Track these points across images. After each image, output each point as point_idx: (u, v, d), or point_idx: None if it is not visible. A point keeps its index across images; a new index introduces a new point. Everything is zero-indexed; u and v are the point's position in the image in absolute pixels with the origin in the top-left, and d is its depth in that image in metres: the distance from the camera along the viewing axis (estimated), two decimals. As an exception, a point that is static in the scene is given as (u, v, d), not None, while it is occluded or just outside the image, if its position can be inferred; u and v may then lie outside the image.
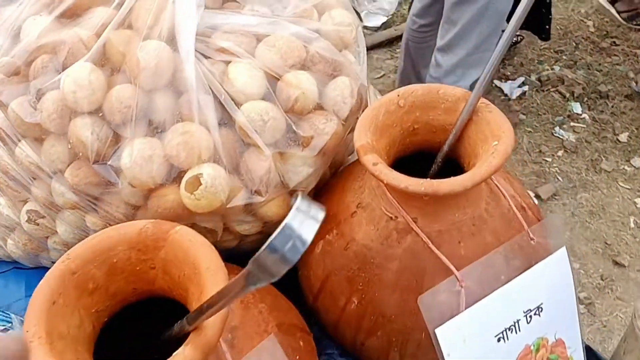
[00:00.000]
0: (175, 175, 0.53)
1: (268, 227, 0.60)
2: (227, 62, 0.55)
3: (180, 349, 0.37)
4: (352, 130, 0.59)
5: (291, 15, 0.57)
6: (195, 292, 0.43)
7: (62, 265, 0.42)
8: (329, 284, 0.56)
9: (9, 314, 0.66)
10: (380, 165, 0.48)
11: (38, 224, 0.68)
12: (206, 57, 0.56)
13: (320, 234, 0.58)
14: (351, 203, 0.56)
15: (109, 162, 0.54)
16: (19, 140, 0.60)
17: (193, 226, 0.58)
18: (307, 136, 0.54)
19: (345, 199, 0.57)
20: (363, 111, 0.55)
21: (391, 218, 0.52)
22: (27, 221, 0.68)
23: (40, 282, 0.41)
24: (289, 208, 0.59)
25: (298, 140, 0.55)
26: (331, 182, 0.62)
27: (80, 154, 0.55)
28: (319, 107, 0.56)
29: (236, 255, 0.66)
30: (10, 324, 0.65)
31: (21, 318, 0.70)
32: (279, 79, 0.55)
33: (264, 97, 0.54)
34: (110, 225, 0.61)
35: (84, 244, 0.43)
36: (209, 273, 0.41)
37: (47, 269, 0.78)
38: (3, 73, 0.59)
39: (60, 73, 0.56)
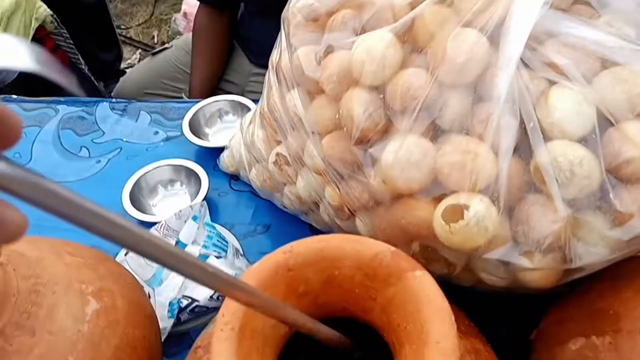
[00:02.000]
0: (438, 195, 0.44)
1: (519, 288, 0.48)
2: (552, 83, 0.43)
3: None
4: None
5: (664, 46, 0.42)
6: (409, 354, 0.34)
7: (281, 257, 0.37)
8: (568, 398, 0.43)
9: (226, 243, 0.67)
10: None
11: (282, 169, 0.66)
12: (528, 67, 0.44)
13: (585, 329, 0.44)
14: (646, 315, 0.41)
15: (370, 149, 0.47)
16: (293, 88, 0.56)
17: (431, 250, 0.49)
18: (624, 212, 0.40)
19: None
20: None
21: (700, 372, 0.37)
22: (273, 162, 0.67)
23: (252, 267, 0.37)
24: (558, 281, 0.47)
25: (610, 212, 0.41)
26: (625, 265, 0.47)
27: (345, 128, 0.49)
28: (655, 179, 0.41)
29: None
30: (225, 253, 0.65)
31: (237, 247, 0.71)
32: (613, 125, 0.41)
33: (584, 141, 0.41)
34: (346, 206, 0.55)
35: (310, 243, 0.37)
36: (437, 350, 0.32)
37: (276, 207, 0.79)
38: (303, 15, 0.55)
39: (357, 35, 0.50)
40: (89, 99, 1.01)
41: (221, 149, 0.85)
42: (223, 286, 0.29)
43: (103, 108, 0.98)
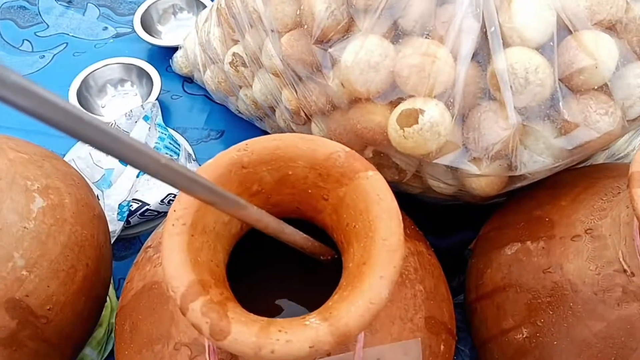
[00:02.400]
0: (394, 99, 0.43)
1: (465, 196, 0.49)
2: (517, -14, 0.42)
3: (314, 324, 0.30)
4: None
5: (632, -46, 0.41)
6: (357, 252, 0.35)
7: (236, 154, 0.36)
8: (502, 296, 0.46)
9: (179, 146, 0.66)
10: (658, 212, 0.34)
11: (238, 71, 0.64)
12: (495, -33, 0.43)
13: (521, 235, 0.46)
14: (579, 223, 0.43)
15: (330, 49, 0.46)
16: (253, -19, 0.53)
17: (383, 157, 0.49)
18: (571, 122, 0.41)
19: (574, 213, 0.44)
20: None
21: (625, 271, 0.39)
22: (229, 63, 0.65)
23: (206, 164, 0.36)
24: (502, 188, 0.48)
25: (557, 121, 0.41)
26: (564, 176, 0.49)
27: (306, 25, 0.47)
28: (605, 90, 0.41)
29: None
30: (177, 156, 0.64)
31: (189, 151, 0.70)
32: (571, 33, 0.41)
33: (542, 48, 0.41)
34: (303, 110, 0.55)
35: (265, 142, 0.37)
36: (383, 247, 0.33)
37: (231, 113, 0.77)
38: None
39: None
40: (30, -13, 0.93)
41: (174, 49, 0.81)
42: (181, 181, 0.26)
43: (46, -2, 0.91)
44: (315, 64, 0.47)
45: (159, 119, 0.67)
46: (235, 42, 0.64)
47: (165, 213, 0.65)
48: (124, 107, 0.76)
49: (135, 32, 0.83)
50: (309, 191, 0.38)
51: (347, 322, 0.30)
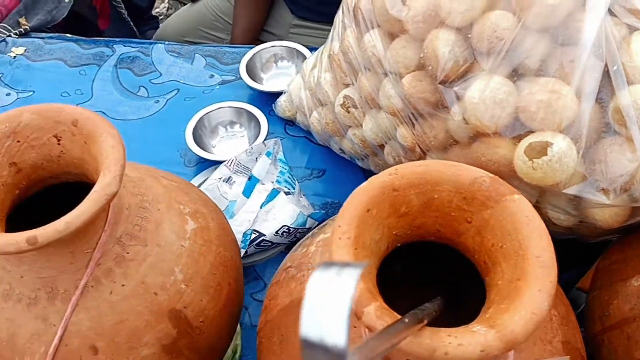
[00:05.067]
0: (519, 133, 0.47)
1: (582, 229, 0.51)
2: (632, 29, 0.45)
3: (481, 331, 0.33)
4: None
5: None
6: (506, 270, 0.38)
7: (387, 178, 0.40)
8: (632, 327, 0.47)
9: (294, 181, 0.70)
10: None
11: (349, 112, 0.69)
12: (612, 14, 0.46)
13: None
14: None
15: (455, 88, 0.50)
16: (373, 28, 0.59)
17: (504, 188, 0.52)
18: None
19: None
20: None
21: None
22: (340, 105, 0.70)
23: (361, 186, 0.40)
24: (624, 221, 0.50)
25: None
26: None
27: (430, 67, 0.52)
28: None
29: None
30: (294, 190, 0.69)
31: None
32: (694, 71, 0.44)
33: (665, 86, 0.44)
34: (419, 146, 0.59)
35: (412, 167, 0.41)
36: (537, 263, 0.35)
37: (331, 153, 0.82)
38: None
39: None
40: (144, 40, 1.03)
41: (274, 94, 0.88)
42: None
43: (158, 50, 1.01)
44: (440, 102, 0.52)
45: (281, 155, 0.72)
46: (346, 85, 0.69)
47: (278, 244, 0.70)
48: (232, 147, 0.83)
49: (239, 78, 0.90)
50: (452, 214, 0.41)
51: (513, 330, 0.33)
